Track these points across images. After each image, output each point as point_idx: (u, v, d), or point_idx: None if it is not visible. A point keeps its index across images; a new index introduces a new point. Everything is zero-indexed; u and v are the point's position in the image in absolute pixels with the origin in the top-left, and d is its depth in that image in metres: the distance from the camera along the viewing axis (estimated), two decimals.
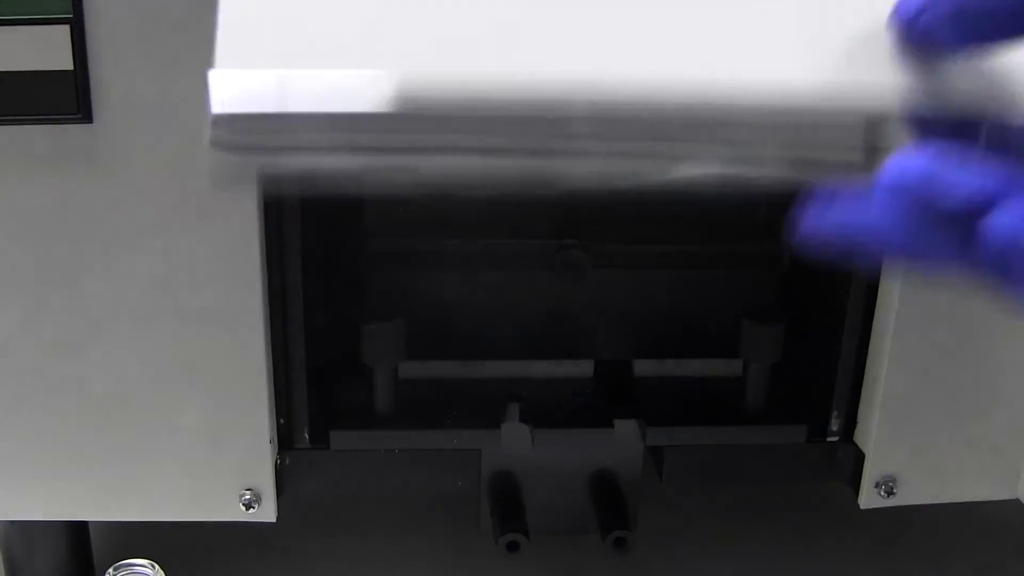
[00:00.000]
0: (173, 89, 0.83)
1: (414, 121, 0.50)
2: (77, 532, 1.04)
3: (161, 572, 0.89)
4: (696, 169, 0.56)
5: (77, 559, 1.04)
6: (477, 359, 1.03)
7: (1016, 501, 1.02)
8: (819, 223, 0.52)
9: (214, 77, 0.49)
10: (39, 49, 0.80)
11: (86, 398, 0.91)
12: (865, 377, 0.98)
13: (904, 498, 1.00)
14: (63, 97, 0.82)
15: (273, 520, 0.96)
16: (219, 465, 0.94)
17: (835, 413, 1.00)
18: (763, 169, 0.55)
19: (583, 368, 1.04)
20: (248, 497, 0.95)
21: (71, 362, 0.90)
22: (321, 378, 1.02)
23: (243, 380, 0.91)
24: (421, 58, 0.50)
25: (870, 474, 0.99)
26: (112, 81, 0.82)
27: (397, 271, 0.98)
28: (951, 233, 0.44)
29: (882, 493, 0.99)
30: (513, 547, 1.00)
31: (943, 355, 0.95)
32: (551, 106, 0.50)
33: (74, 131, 0.83)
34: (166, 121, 0.84)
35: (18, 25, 0.79)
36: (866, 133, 0.53)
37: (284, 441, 0.96)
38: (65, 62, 0.81)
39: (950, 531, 1.25)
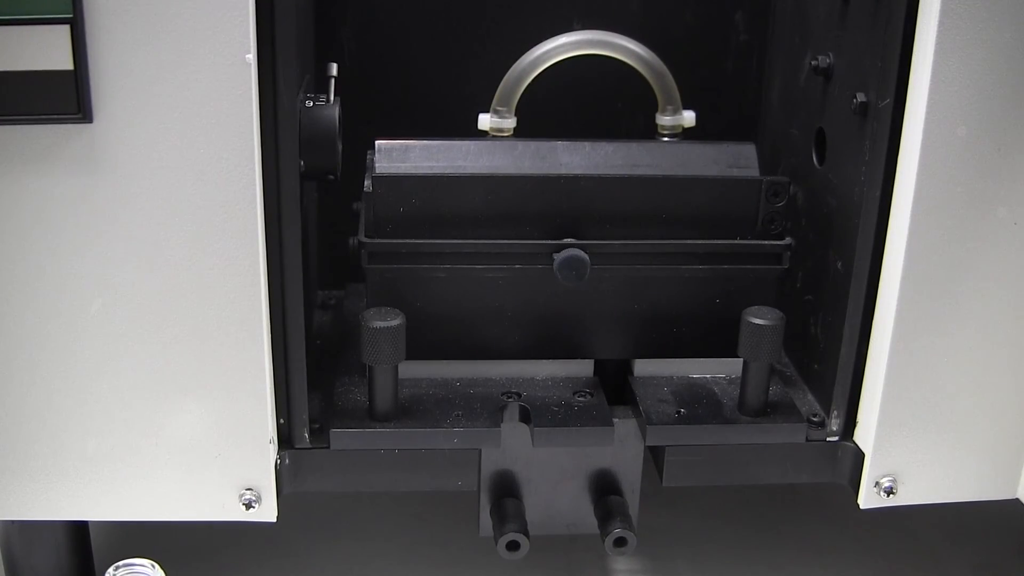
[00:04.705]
0: (173, 89, 0.83)
1: None
2: (77, 532, 1.04)
3: (161, 572, 0.90)
4: None
5: (77, 559, 1.04)
6: (477, 359, 1.03)
7: (1016, 501, 1.02)
8: None
9: None
10: (39, 49, 0.80)
11: (86, 398, 0.91)
12: (865, 377, 0.98)
13: (904, 498, 1.00)
14: (63, 97, 0.82)
15: (273, 520, 0.96)
16: (219, 465, 0.94)
17: (835, 413, 1.00)
18: None
19: (583, 368, 1.04)
20: (248, 497, 0.95)
21: (71, 362, 0.90)
22: (321, 378, 1.02)
23: (243, 380, 0.91)
24: None
25: (870, 474, 0.99)
26: (112, 81, 0.82)
27: (397, 270, 0.98)
28: None
29: (882, 493, 0.99)
30: (513, 547, 1.00)
31: (943, 355, 0.95)
32: None
33: (74, 131, 0.83)
34: (166, 121, 0.84)
35: (18, 25, 0.79)
36: None
37: (284, 441, 0.96)
38: (65, 62, 0.81)
39: (950, 531, 1.25)
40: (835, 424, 1.00)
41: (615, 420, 0.99)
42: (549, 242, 0.98)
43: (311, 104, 0.95)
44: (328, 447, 0.97)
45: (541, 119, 1.05)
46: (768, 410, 0.99)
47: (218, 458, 0.94)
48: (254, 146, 0.85)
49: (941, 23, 0.85)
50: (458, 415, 0.98)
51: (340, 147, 0.96)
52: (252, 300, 0.89)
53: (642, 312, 1.01)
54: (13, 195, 0.85)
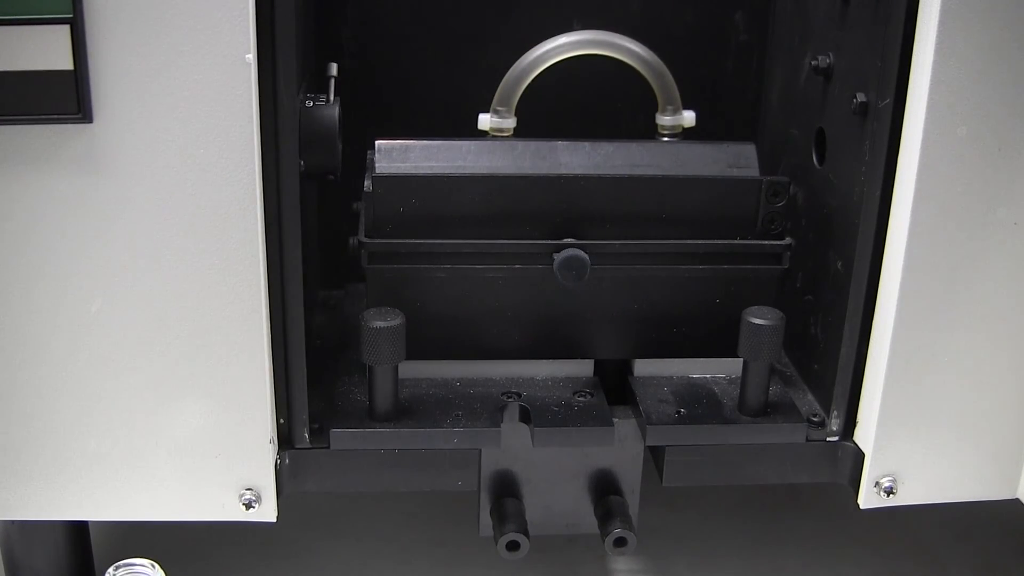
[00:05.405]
0: (173, 89, 0.83)
1: None
2: (77, 532, 1.04)
3: (161, 572, 0.90)
4: None
5: (77, 559, 1.04)
6: (477, 359, 1.03)
7: (1016, 501, 1.02)
8: None
9: None
10: (39, 49, 0.80)
11: (86, 398, 0.91)
12: (865, 377, 0.98)
13: (904, 498, 1.00)
14: (63, 97, 0.82)
15: (273, 520, 0.96)
16: (219, 465, 0.94)
17: (835, 413, 1.00)
18: None
19: (583, 368, 1.04)
20: (248, 497, 0.95)
21: (71, 361, 0.90)
22: (321, 378, 1.02)
23: (243, 380, 0.91)
24: None
25: (870, 474, 0.99)
26: (112, 81, 0.82)
27: (397, 270, 0.98)
28: None
29: (882, 493, 0.99)
30: (513, 547, 1.00)
31: (943, 355, 0.95)
32: None
33: (74, 131, 0.83)
34: (166, 121, 0.84)
35: (18, 25, 0.79)
36: None
37: (284, 441, 0.96)
38: (65, 62, 0.81)
39: (950, 531, 1.25)
40: (835, 424, 1.00)
41: (615, 420, 0.99)
42: (549, 242, 0.98)
43: (311, 104, 0.95)
44: (328, 447, 0.97)
45: (541, 119, 1.05)
46: (768, 410, 0.99)
47: (218, 458, 0.94)
48: (254, 146, 0.85)
49: (941, 23, 0.85)
50: (458, 415, 0.98)
51: (340, 147, 0.96)
52: (252, 300, 0.89)
53: (642, 312, 1.01)
54: (13, 195, 0.85)
